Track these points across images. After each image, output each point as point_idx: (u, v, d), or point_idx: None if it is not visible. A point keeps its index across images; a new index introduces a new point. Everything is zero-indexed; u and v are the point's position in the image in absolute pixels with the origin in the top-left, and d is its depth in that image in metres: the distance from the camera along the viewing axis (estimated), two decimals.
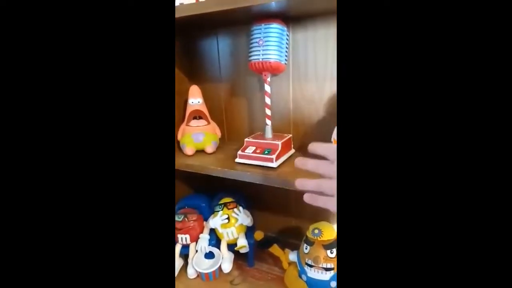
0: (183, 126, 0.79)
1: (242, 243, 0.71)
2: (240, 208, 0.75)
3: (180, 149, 0.77)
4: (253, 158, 0.64)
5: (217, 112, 0.87)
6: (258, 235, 0.75)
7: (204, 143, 0.75)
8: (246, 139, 0.69)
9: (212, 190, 0.89)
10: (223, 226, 0.74)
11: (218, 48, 0.81)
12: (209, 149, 0.75)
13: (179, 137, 0.80)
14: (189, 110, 0.77)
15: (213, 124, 0.80)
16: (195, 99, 0.76)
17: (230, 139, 0.88)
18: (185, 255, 0.76)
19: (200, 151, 0.76)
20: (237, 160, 0.66)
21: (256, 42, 0.61)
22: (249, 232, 0.77)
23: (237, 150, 0.66)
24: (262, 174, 0.59)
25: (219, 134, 0.82)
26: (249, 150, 0.66)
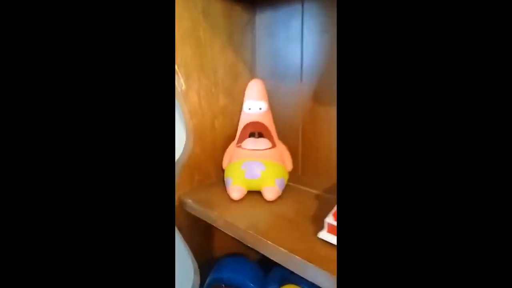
0: (232, 147, 0.48)
1: None
2: None
3: (223, 182, 0.47)
4: None
5: (290, 128, 0.53)
6: None
7: (262, 181, 0.42)
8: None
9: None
10: None
11: (303, 22, 0.47)
12: (270, 193, 0.42)
13: (224, 164, 0.49)
14: (243, 121, 0.46)
15: (281, 148, 0.47)
16: (254, 104, 0.44)
17: (307, 175, 0.53)
18: None
19: (255, 193, 0.43)
20: (323, 235, 0.32)
21: None
22: None
23: (320, 202, 0.32)
24: None
25: (289, 165, 0.48)
26: None
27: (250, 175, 0.43)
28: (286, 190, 0.45)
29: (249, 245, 0.35)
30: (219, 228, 0.39)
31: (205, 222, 0.43)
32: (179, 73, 0.43)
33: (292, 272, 0.47)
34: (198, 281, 0.53)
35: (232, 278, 0.47)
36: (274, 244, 0.32)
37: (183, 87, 0.43)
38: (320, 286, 0.28)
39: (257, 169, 0.43)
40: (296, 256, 0.30)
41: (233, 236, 0.37)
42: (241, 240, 0.36)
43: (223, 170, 0.50)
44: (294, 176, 0.51)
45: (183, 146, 0.48)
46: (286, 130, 0.52)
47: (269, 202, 0.42)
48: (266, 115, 0.45)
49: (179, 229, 0.48)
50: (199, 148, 0.48)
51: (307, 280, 0.46)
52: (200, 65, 0.45)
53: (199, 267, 0.53)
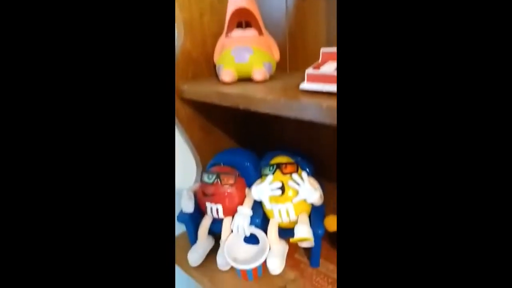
0: (221, 39, 0.51)
1: (304, 234, 0.42)
2: (304, 174, 0.45)
3: (217, 76, 0.50)
4: (334, 81, 0.32)
5: (276, 20, 0.55)
6: (331, 222, 0.45)
7: (250, 64, 0.46)
8: (323, 49, 0.38)
9: (263, 145, 0.61)
10: (274, 199, 0.46)
11: None
12: (258, 74, 0.45)
13: (215, 58, 0.52)
14: (230, 10, 0.48)
15: (267, 38, 0.50)
16: None
17: (295, 69, 0.56)
18: (216, 235, 0.52)
19: (246, 81, 0.47)
20: (304, 85, 0.36)
21: None
22: (315, 214, 0.47)
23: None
24: None
25: (277, 56, 0.51)
26: (328, 67, 0.35)
27: (239, 59, 0.46)
28: (273, 78, 0.49)
29: (240, 107, 0.40)
30: (213, 102, 0.44)
31: (204, 115, 0.47)
32: None
33: (282, 150, 0.53)
34: (200, 174, 0.60)
35: (230, 159, 0.53)
36: (261, 97, 0.36)
37: None
38: (312, 119, 0.32)
39: (245, 53, 0.46)
40: (282, 98, 0.34)
41: (226, 105, 0.42)
42: (234, 106, 0.41)
43: (215, 66, 0.53)
44: (280, 68, 0.54)
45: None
46: (273, 26, 0.54)
47: (258, 82, 0.46)
48: (251, 3, 0.47)
49: (180, 122, 0.53)
50: (190, 43, 0.50)
51: (297, 155, 0.52)
52: None
53: (200, 161, 0.59)
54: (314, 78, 0.35)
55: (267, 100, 0.36)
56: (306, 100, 0.32)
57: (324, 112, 0.30)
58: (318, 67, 0.36)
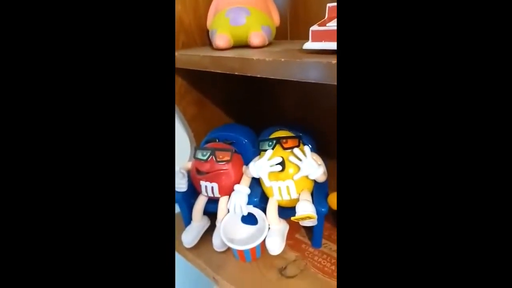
0: (215, 1, 0.46)
1: (307, 212, 0.39)
2: (306, 148, 0.41)
3: (210, 45, 0.46)
4: None
5: None
6: (335, 200, 0.42)
7: (247, 26, 0.41)
8: (330, 4, 0.34)
9: (262, 122, 0.57)
10: (273, 176, 0.43)
11: None
12: (256, 37, 0.41)
13: (209, 21, 0.47)
14: None
15: (267, 0, 0.45)
16: None
17: (296, 38, 0.52)
18: (211, 214, 0.48)
19: (243, 46, 0.43)
20: (308, 45, 0.31)
21: None
22: (318, 191, 0.44)
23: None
24: None
25: (276, 20, 0.46)
26: (336, 24, 0.31)
27: (235, 22, 0.41)
28: (273, 44, 0.44)
29: (236, 72, 0.36)
30: (206, 69, 0.39)
31: (197, 88, 0.42)
32: None
33: (281, 125, 0.50)
34: (194, 150, 0.56)
35: (226, 135, 0.50)
36: (260, 58, 0.32)
37: None
38: (318, 80, 0.28)
39: (241, 14, 0.41)
40: (282, 59, 0.30)
41: (220, 70, 0.38)
42: (229, 72, 0.37)
43: (208, 34, 0.48)
44: (281, 35, 0.50)
45: None
46: None
47: (255, 47, 0.41)
48: None
49: None
50: (181, 6, 0.45)
51: (299, 130, 0.48)
52: None
53: (194, 137, 0.55)
54: (319, 36, 0.31)
55: (266, 61, 0.32)
56: (311, 60, 0.28)
57: (332, 71, 0.26)
58: (324, 23, 0.32)
